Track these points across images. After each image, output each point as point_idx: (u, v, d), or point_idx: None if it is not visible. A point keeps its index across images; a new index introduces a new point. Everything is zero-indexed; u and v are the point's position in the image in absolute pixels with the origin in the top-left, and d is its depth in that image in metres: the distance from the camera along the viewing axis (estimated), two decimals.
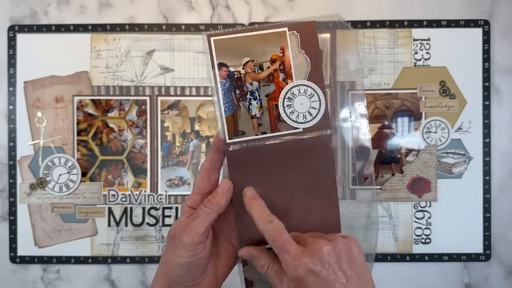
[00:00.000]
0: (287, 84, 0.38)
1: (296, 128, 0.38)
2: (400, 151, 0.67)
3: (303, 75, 0.39)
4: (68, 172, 0.66)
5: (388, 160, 0.67)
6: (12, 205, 0.66)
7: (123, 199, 0.67)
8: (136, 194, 0.67)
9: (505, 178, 0.67)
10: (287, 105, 0.38)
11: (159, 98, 0.67)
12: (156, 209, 0.67)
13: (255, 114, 0.38)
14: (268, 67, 0.38)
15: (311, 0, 0.67)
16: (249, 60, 0.38)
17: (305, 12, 0.67)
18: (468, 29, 0.66)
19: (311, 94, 0.39)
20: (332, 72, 0.67)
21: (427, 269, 0.67)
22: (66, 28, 0.67)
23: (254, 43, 0.38)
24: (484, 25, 0.66)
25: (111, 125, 0.67)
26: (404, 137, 0.67)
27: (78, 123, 0.67)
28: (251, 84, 0.38)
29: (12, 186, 0.67)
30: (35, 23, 0.67)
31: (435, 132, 0.66)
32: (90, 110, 0.67)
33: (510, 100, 0.67)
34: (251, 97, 0.38)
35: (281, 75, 0.38)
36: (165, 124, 0.67)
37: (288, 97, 0.38)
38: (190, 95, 0.67)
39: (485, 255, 0.66)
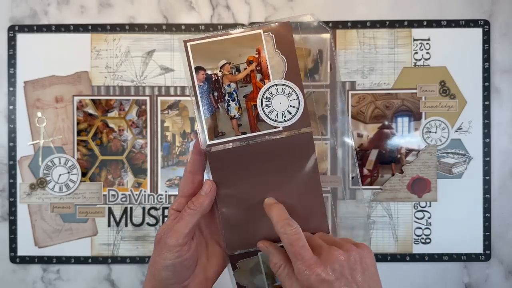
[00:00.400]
0: (264, 84, 0.39)
1: (275, 127, 0.39)
2: (400, 151, 0.67)
3: (281, 75, 0.39)
4: (68, 172, 0.66)
5: (388, 160, 0.67)
6: (12, 205, 0.66)
7: (123, 199, 0.67)
8: (136, 194, 0.67)
9: (505, 178, 0.67)
10: (266, 105, 0.39)
11: (159, 98, 0.67)
12: (156, 209, 0.67)
13: (234, 115, 0.38)
14: (245, 69, 0.39)
15: (311, 0, 0.67)
16: (226, 63, 0.39)
17: (305, 12, 0.67)
18: (468, 29, 0.66)
19: (289, 93, 0.39)
20: (332, 72, 0.67)
21: (427, 269, 0.67)
22: (66, 28, 0.67)
23: (230, 46, 0.38)
24: (484, 25, 0.66)
25: (111, 125, 0.67)
26: (404, 137, 0.67)
27: (78, 123, 0.67)
28: (228, 86, 0.39)
29: (12, 186, 0.67)
30: (35, 23, 0.67)
31: (435, 132, 0.66)
32: (90, 110, 0.67)
33: (510, 100, 0.67)
34: (229, 99, 0.39)
35: (258, 76, 0.39)
36: (165, 124, 0.67)
37: (266, 96, 0.39)
38: (190, 95, 0.67)
39: (485, 255, 0.66)
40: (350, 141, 0.49)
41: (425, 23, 0.66)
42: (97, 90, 0.67)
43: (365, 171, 0.67)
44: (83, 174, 0.67)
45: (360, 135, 0.67)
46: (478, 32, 0.66)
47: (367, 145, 0.67)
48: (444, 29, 0.66)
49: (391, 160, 0.67)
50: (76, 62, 0.67)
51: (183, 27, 0.67)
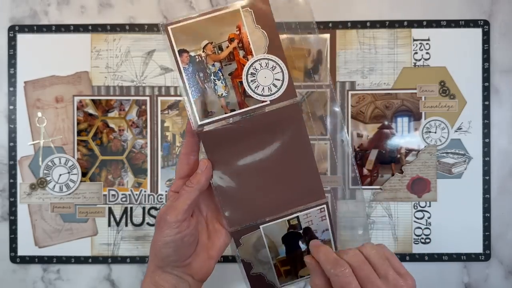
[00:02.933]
0: (248, 60, 0.39)
1: (263, 101, 0.39)
2: (400, 151, 0.67)
3: (263, 49, 0.40)
4: (68, 172, 0.67)
5: (388, 160, 0.67)
6: (12, 205, 0.67)
7: (123, 199, 0.67)
8: (136, 194, 0.67)
9: (504, 178, 0.67)
10: (251, 80, 0.39)
11: (159, 98, 0.67)
12: (156, 209, 0.67)
13: (222, 94, 0.39)
14: (227, 47, 0.39)
15: (311, 0, 0.67)
16: (208, 43, 0.39)
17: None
18: (468, 29, 0.66)
19: (273, 67, 0.40)
20: (332, 71, 0.67)
21: (427, 269, 0.67)
22: (66, 28, 0.67)
23: (210, 25, 0.39)
24: (483, 25, 0.66)
25: (111, 125, 0.67)
26: (404, 137, 0.67)
27: (78, 123, 0.67)
28: (213, 65, 0.39)
29: (12, 186, 0.67)
30: (35, 23, 0.67)
31: (435, 132, 0.67)
32: (90, 110, 0.67)
33: (509, 100, 0.67)
34: (215, 78, 0.39)
35: (241, 53, 0.39)
36: (165, 124, 0.67)
37: (251, 72, 0.39)
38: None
39: (485, 255, 0.66)
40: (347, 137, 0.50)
41: (425, 23, 0.66)
42: (97, 90, 0.67)
43: (365, 171, 0.67)
44: (83, 174, 0.67)
45: (360, 135, 0.67)
46: (478, 32, 0.66)
47: (367, 145, 0.67)
48: (444, 29, 0.66)
49: (391, 160, 0.67)
50: (76, 62, 0.67)
51: None
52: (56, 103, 0.67)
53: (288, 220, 0.41)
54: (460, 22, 0.66)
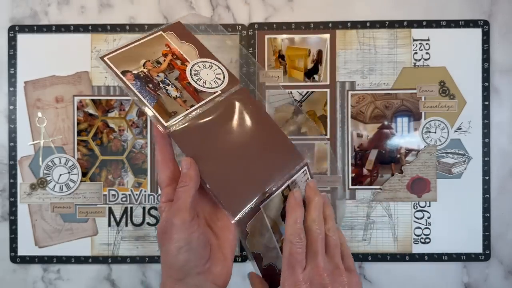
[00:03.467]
0: (186, 66, 0.44)
1: (215, 92, 0.43)
2: (400, 151, 0.67)
3: (195, 56, 0.45)
4: (69, 172, 0.67)
5: (388, 160, 0.67)
6: (13, 205, 0.67)
7: (123, 199, 0.67)
8: (136, 194, 0.67)
9: (504, 178, 0.67)
10: (197, 79, 0.43)
11: None
12: (156, 209, 0.67)
13: (176, 95, 0.42)
14: (164, 60, 0.44)
15: (311, 0, 0.67)
16: (146, 61, 0.43)
17: (305, 12, 0.67)
18: (468, 29, 0.66)
19: (210, 66, 0.45)
20: (332, 71, 0.67)
21: (427, 269, 0.67)
22: (66, 28, 0.67)
23: (142, 49, 0.44)
24: (483, 25, 0.66)
25: (111, 125, 0.67)
26: (404, 137, 0.67)
27: (78, 123, 0.67)
28: (158, 76, 0.43)
29: (13, 186, 0.67)
30: (36, 23, 0.67)
31: (435, 132, 0.67)
32: (91, 110, 0.67)
33: (509, 100, 0.67)
34: (164, 85, 0.42)
35: (178, 62, 0.44)
36: None
37: (194, 73, 0.44)
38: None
39: (485, 255, 0.66)
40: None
41: (424, 23, 0.66)
42: (98, 90, 0.67)
43: (365, 171, 0.67)
44: (84, 174, 0.67)
45: (359, 135, 0.67)
46: (477, 32, 0.66)
47: (367, 145, 0.67)
48: (444, 29, 0.66)
49: (391, 160, 0.67)
50: (76, 62, 0.67)
51: None
52: (56, 103, 0.67)
53: (282, 192, 0.42)
54: (460, 22, 0.66)
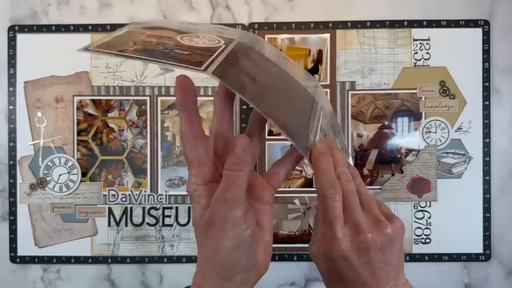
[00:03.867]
0: (177, 40, 0.38)
1: (220, 47, 0.36)
2: (400, 151, 0.67)
3: (177, 34, 0.39)
4: (68, 172, 0.67)
5: (388, 160, 0.67)
6: (12, 205, 0.67)
7: (123, 199, 0.67)
8: (136, 194, 0.67)
9: (505, 178, 0.67)
10: (195, 42, 0.36)
11: (159, 98, 0.67)
12: (156, 209, 0.67)
13: (188, 53, 0.34)
14: (153, 38, 0.38)
15: (311, 0, 0.67)
16: (134, 42, 0.36)
17: (305, 12, 0.67)
18: (468, 29, 0.66)
19: (196, 35, 0.38)
20: (332, 71, 0.67)
21: (427, 269, 0.67)
22: (66, 28, 0.67)
23: (122, 39, 0.36)
24: (484, 25, 0.66)
25: (111, 125, 0.67)
26: (404, 137, 0.67)
27: (78, 123, 0.67)
28: (156, 47, 0.36)
29: (12, 186, 0.67)
30: (35, 23, 0.67)
31: (435, 132, 0.66)
32: (90, 110, 0.67)
33: (509, 100, 0.67)
34: (169, 50, 0.35)
35: (166, 39, 0.38)
36: (165, 124, 0.67)
37: (188, 40, 0.37)
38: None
39: (485, 255, 0.66)
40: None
41: (425, 23, 0.66)
42: (97, 90, 0.67)
43: (365, 171, 0.67)
44: (83, 174, 0.67)
45: (360, 135, 0.67)
46: (478, 32, 0.66)
47: (367, 145, 0.67)
48: (444, 29, 0.66)
49: (391, 160, 0.67)
50: (76, 62, 0.67)
51: None
52: (56, 103, 0.67)
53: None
54: (460, 22, 0.66)
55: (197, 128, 0.33)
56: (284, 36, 0.67)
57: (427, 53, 0.66)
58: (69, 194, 0.67)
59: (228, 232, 0.31)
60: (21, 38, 0.67)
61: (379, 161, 0.67)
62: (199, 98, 0.67)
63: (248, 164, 0.32)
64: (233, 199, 0.31)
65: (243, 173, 0.31)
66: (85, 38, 0.67)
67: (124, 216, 0.67)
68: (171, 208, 0.67)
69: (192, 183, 0.33)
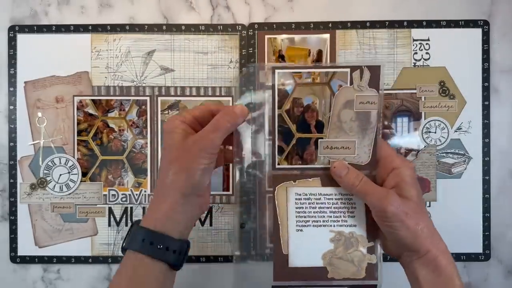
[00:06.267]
0: None
1: None
2: (400, 151, 0.67)
3: None
4: (69, 172, 0.67)
5: None
6: (13, 205, 0.67)
7: (124, 199, 0.67)
8: (137, 194, 0.67)
9: (504, 178, 0.67)
10: None
11: (159, 98, 0.67)
12: None
13: None
14: None
15: (311, 0, 0.67)
16: None
17: (305, 12, 0.67)
18: (468, 29, 0.66)
19: None
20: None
21: None
22: (66, 29, 0.67)
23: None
24: (483, 25, 0.66)
25: (111, 125, 0.67)
26: (404, 137, 0.67)
27: (78, 123, 0.67)
28: None
29: (13, 186, 0.67)
30: (36, 23, 0.67)
31: (435, 132, 0.67)
32: (91, 110, 0.67)
33: (509, 100, 0.67)
34: None
35: None
36: None
37: None
38: (190, 95, 0.67)
39: (485, 255, 0.66)
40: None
41: (424, 23, 0.66)
42: (98, 90, 0.67)
43: None
44: (84, 174, 0.67)
45: None
46: (477, 32, 0.67)
47: None
48: (444, 29, 0.66)
49: None
50: (77, 62, 0.67)
51: (183, 27, 0.67)
52: (56, 103, 0.67)
53: None
54: (460, 22, 0.66)
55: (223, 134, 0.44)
56: (284, 36, 0.67)
57: (427, 53, 0.67)
58: (69, 194, 0.67)
59: (200, 157, 0.41)
60: (21, 38, 0.67)
61: None
62: (199, 98, 0.67)
63: (237, 123, 0.43)
64: (212, 140, 0.41)
65: (229, 126, 0.42)
66: (85, 38, 0.67)
67: (124, 216, 0.67)
68: None
69: (175, 119, 0.44)
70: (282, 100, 0.48)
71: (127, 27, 0.67)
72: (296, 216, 0.45)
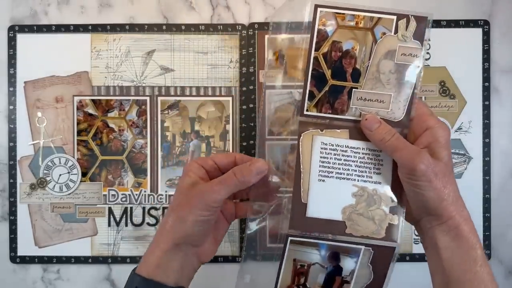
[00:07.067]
0: None
1: None
2: None
3: None
4: (68, 172, 0.67)
5: None
6: (12, 205, 0.67)
7: (123, 199, 0.67)
8: (136, 194, 0.67)
9: (505, 178, 0.67)
10: None
11: (159, 98, 0.67)
12: (156, 209, 0.67)
13: None
14: None
15: (311, 0, 0.67)
16: None
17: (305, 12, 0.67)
18: (468, 29, 0.66)
19: None
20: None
21: (427, 269, 0.67)
22: (66, 28, 0.67)
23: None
24: (484, 25, 0.66)
25: (111, 125, 0.67)
26: None
27: (78, 123, 0.67)
28: None
29: (12, 186, 0.67)
30: (35, 23, 0.67)
31: None
32: (90, 110, 0.67)
33: (509, 100, 0.67)
34: None
35: None
36: (165, 124, 0.67)
37: None
38: (190, 95, 0.67)
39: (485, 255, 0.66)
40: None
41: None
42: (97, 90, 0.67)
43: None
44: (83, 174, 0.67)
45: None
46: (478, 32, 0.66)
47: None
48: (444, 29, 0.66)
49: None
50: (76, 62, 0.67)
51: (183, 27, 0.67)
52: (56, 103, 0.67)
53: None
54: (460, 22, 0.66)
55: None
56: (284, 36, 0.67)
57: (427, 53, 0.66)
58: (69, 194, 0.67)
59: (198, 209, 0.39)
60: (21, 38, 0.67)
61: None
62: (198, 98, 0.67)
63: (248, 182, 0.40)
64: (217, 192, 0.39)
65: (240, 184, 0.40)
66: (85, 38, 0.67)
67: (124, 216, 0.67)
68: None
69: (194, 161, 0.43)
70: (320, 42, 0.45)
71: (127, 27, 0.67)
72: (320, 166, 0.42)
